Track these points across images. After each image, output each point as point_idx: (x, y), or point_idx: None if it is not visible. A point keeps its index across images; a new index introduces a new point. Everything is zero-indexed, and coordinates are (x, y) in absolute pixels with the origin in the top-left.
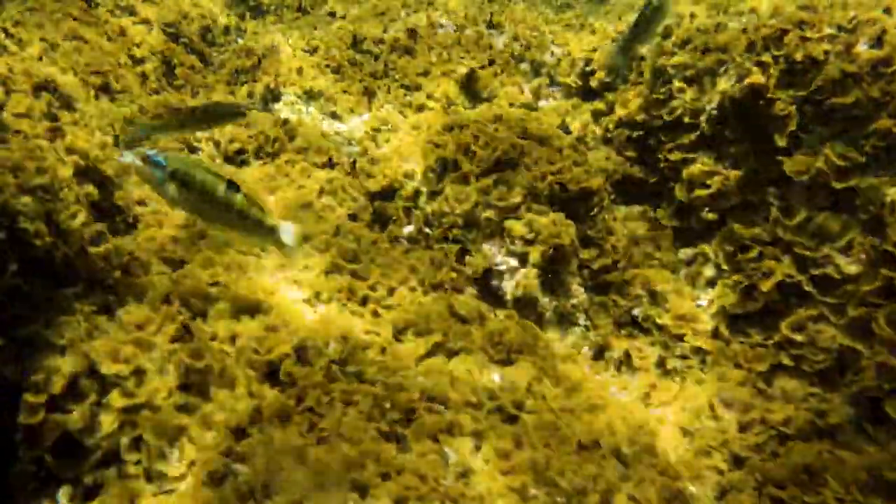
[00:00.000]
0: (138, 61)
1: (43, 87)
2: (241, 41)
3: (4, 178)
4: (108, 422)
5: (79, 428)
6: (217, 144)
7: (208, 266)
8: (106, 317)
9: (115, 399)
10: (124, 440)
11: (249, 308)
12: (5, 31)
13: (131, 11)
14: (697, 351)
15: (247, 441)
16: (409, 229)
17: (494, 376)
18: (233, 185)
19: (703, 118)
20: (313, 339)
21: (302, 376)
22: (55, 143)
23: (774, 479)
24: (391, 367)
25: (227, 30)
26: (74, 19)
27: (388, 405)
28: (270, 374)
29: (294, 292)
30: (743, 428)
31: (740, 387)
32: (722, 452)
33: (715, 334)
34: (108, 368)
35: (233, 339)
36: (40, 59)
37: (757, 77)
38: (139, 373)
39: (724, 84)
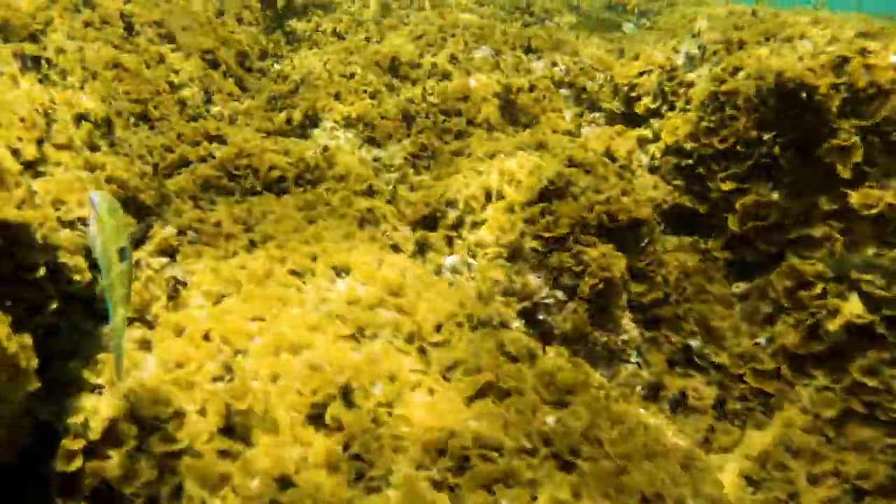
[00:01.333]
0: (177, 88)
1: (83, 116)
2: (277, 66)
3: (46, 211)
4: (147, 469)
5: (118, 476)
6: (256, 172)
7: (249, 300)
8: (145, 353)
9: (156, 444)
10: (165, 489)
11: (292, 345)
12: (48, 60)
13: (170, 38)
14: (758, 393)
15: (293, 491)
16: (452, 260)
17: (549, 419)
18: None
19: (758, 147)
20: (359, 379)
21: (349, 421)
22: (95, 174)
23: None
24: (441, 409)
25: (263, 55)
26: (115, 47)
27: (439, 452)
28: (315, 416)
29: (338, 328)
30: (813, 480)
31: (807, 434)
32: None
33: (777, 375)
34: (147, 410)
35: (275, 378)
36: (81, 87)
37: (815, 115)
38: (179, 415)
39: (781, 113)
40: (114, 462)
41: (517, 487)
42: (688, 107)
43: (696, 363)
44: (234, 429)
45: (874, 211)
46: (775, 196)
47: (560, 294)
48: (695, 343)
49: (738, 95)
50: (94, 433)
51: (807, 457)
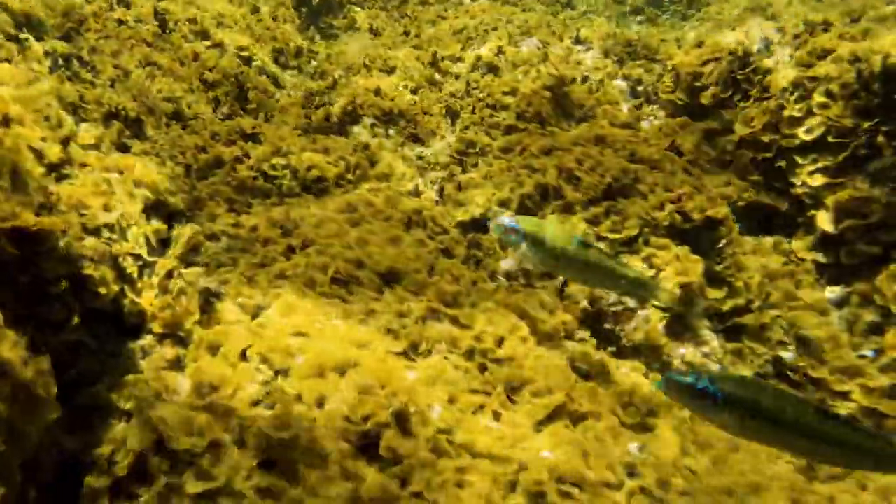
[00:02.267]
0: (211, 86)
1: (114, 115)
2: (314, 63)
3: (68, 217)
4: None
5: None
6: (295, 172)
7: (289, 313)
8: (177, 373)
9: (190, 483)
10: None
11: (338, 364)
12: (80, 58)
13: (205, 36)
14: (870, 413)
15: None
16: (507, 264)
17: (632, 447)
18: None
19: (855, 137)
20: (416, 402)
21: (406, 452)
22: (123, 176)
23: None
24: (508, 436)
25: (298, 52)
26: (148, 45)
27: (510, 487)
28: (367, 446)
29: (388, 343)
30: None
31: None
32: None
33: (892, 393)
34: (179, 443)
35: (320, 402)
36: (112, 85)
37: None
38: (215, 447)
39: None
40: (143, 502)
41: None
42: (765, 95)
43: (789, 378)
44: (276, 463)
45: None
46: (876, 191)
47: (631, 301)
48: (787, 355)
49: (829, 81)
50: (121, 469)
51: None
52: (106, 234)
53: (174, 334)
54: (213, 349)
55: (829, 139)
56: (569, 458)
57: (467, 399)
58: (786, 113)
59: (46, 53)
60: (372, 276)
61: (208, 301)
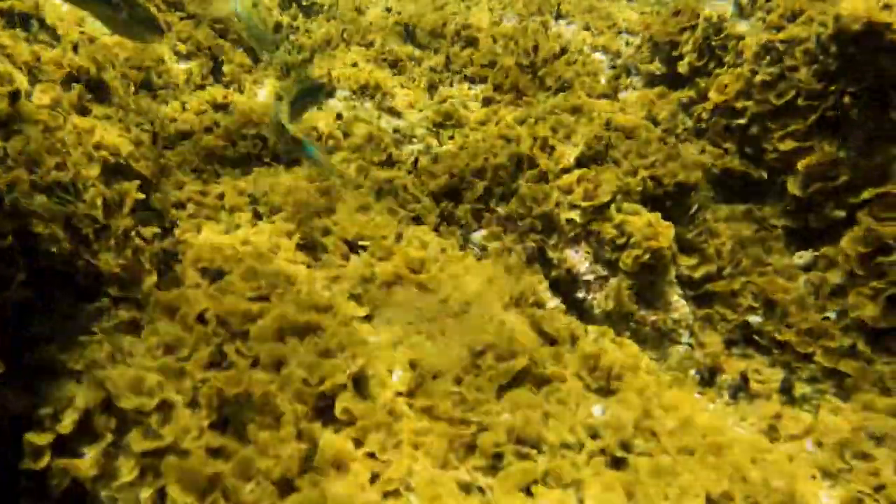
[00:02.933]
0: (184, 57)
1: (74, 78)
2: (292, 37)
3: (17, 173)
4: (126, 469)
5: (91, 476)
6: (264, 141)
7: (251, 278)
8: (132, 337)
9: (136, 440)
10: (145, 493)
11: (299, 328)
12: (41, 21)
13: (178, 7)
14: (831, 373)
15: (295, 497)
16: (480, 234)
17: (595, 409)
18: None
19: (823, 100)
20: (375, 366)
21: (362, 413)
22: (83, 138)
23: None
24: (470, 399)
25: (278, 27)
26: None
27: (468, 449)
28: (324, 409)
29: (351, 307)
30: None
31: (892, 417)
32: (878, 500)
33: (853, 353)
34: (128, 402)
35: (278, 365)
36: (75, 50)
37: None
38: (165, 407)
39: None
40: (87, 460)
41: (559, 489)
42: (739, 61)
43: (756, 342)
44: (229, 423)
45: None
46: (843, 154)
47: (601, 269)
48: (754, 319)
49: (799, 44)
50: (65, 427)
51: (893, 444)
52: (60, 193)
53: (131, 297)
54: (171, 311)
55: (799, 103)
56: (529, 420)
57: (429, 363)
58: (757, 78)
59: (2, 12)
60: (338, 243)
61: (167, 264)
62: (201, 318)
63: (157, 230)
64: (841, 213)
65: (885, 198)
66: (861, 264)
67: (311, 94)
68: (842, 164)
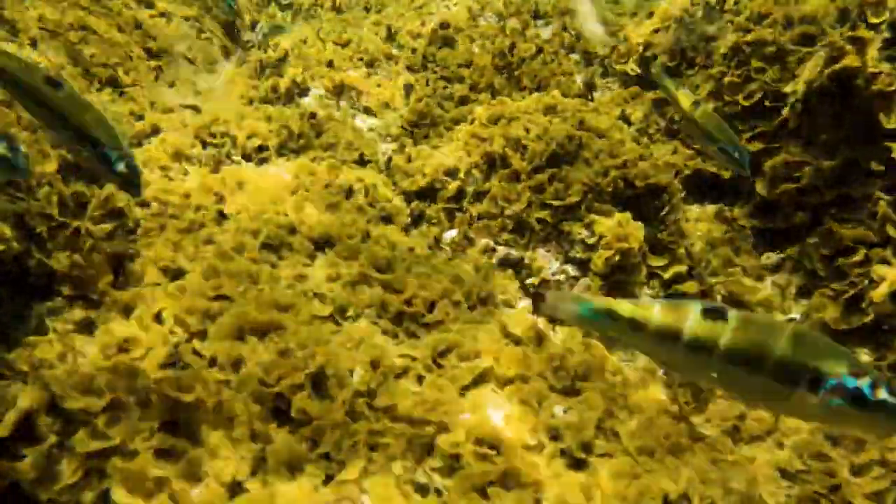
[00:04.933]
0: (154, 55)
1: None
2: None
3: None
4: (69, 471)
5: (31, 478)
6: (234, 140)
7: (212, 276)
8: (85, 337)
9: (81, 442)
10: (88, 496)
11: (260, 327)
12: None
13: (148, 4)
14: None
15: (244, 498)
16: (451, 234)
17: (557, 409)
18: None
19: (788, 101)
20: (335, 365)
21: (318, 413)
22: (39, 134)
23: None
24: (431, 400)
25: (254, 26)
26: (83, 9)
27: (426, 450)
28: (281, 410)
29: (314, 307)
30: (857, 471)
31: None
32: (833, 501)
33: None
34: (74, 402)
35: (236, 365)
36: (33, 45)
37: (852, 59)
38: (115, 407)
39: (812, 62)
40: (27, 462)
41: (517, 490)
42: (709, 62)
43: None
44: (180, 424)
45: None
46: (808, 156)
47: (572, 269)
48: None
49: (764, 45)
50: (3, 428)
51: (850, 445)
52: (10, 191)
53: (85, 296)
54: (126, 311)
55: (767, 104)
56: (489, 420)
57: (391, 363)
58: (726, 80)
59: None
60: (304, 242)
61: (123, 263)
62: (158, 318)
63: (115, 228)
64: (805, 215)
65: (847, 199)
66: (823, 266)
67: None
68: (806, 165)
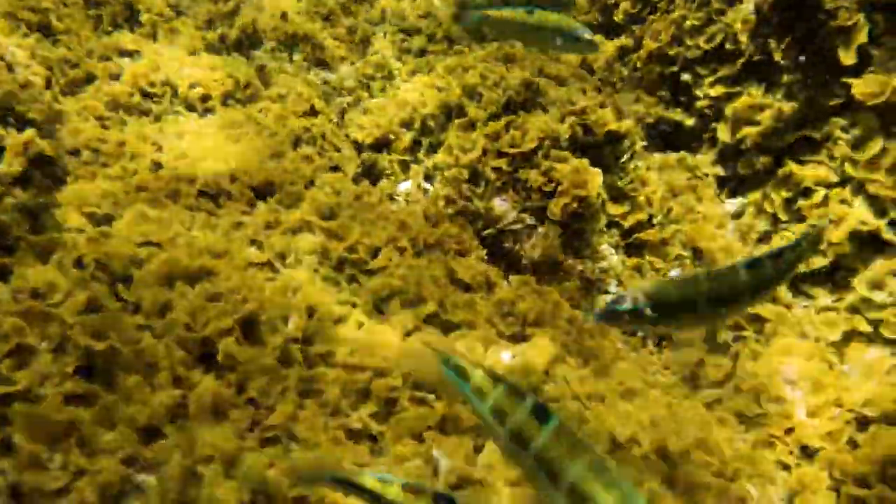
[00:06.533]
0: (93, 4)
1: None
2: None
3: None
4: None
5: None
6: (175, 90)
7: (141, 222)
8: (1, 284)
9: None
10: None
11: (190, 273)
12: None
13: None
14: (754, 319)
15: (160, 443)
16: (405, 186)
17: (504, 355)
18: None
19: (747, 42)
20: (268, 311)
21: (246, 358)
22: None
23: (856, 475)
24: (370, 346)
25: None
26: None
27: (361, 395)
28: (207, 356)
29: (251, 254)
30: (813, 412)
31: (807, 361)
32: (787, 443)
33: (774, 298)
34: None
35: (163, 311)
36: None
37: None
38: (22, 352)
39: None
40: None
41: (456, 435)
42: (672, 7)
43: None
44: (95, 370)
45: (880, 99)
46: (769, 98)
47: (529, 218)
48: (674, 273)
49: None
50: None
51: (806, 387)
52: None
53: (3, 244)
54: (45, 256)
55: (728, 47)
56: (430, 366)
57: (329, 310)
58: (687, 23)
59: None
60: (244, 190)
61: (45, 208)
62: (79, 263)
63: (37, 175)
64: (768, 159)
65: (808, 141)
66: (784, 209)
67: None
68: (767, 108)
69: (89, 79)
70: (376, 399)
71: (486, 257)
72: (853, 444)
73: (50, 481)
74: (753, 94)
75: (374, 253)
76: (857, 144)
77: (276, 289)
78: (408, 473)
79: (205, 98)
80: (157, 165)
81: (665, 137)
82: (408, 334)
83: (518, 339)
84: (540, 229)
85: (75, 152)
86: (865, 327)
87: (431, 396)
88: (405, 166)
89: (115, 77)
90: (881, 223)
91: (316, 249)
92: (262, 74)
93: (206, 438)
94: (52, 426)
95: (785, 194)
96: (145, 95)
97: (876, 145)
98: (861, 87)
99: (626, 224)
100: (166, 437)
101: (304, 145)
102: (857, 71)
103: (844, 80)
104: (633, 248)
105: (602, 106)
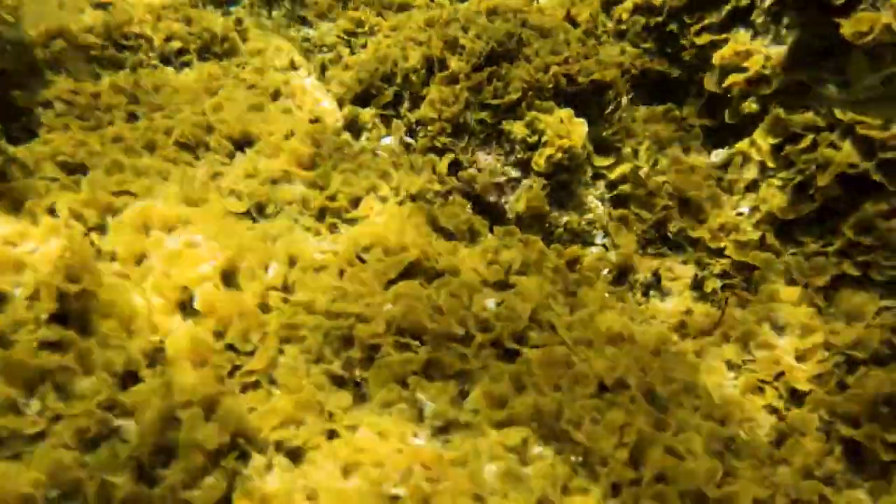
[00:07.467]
0: None
1: None
2: None
3: None
4: None
5: None
6: (150, 42)
7: (115, 171)
8: None
9: None
10: None
11: (167, 222)
12: None
13: None
14: (741, 267)
15: (138, 388)
16: (387, 140)
17: (488, 302)
18: None
19: None
20: (247, 259)
21: (225, 305)
22: None
23: (845, 416)
24: (351, 293)
25: None
26: None
27: (344, 342)
28: (185, 302)
29: (230, 204)
30: (801, 356)
31: (796, 307)
32: (777, 387)
33: (762, 245)
34: None
35: (139, 260)
36: None
37: None
38: None
39: None
40: None
41: (440, 380)
42: None
43: (671, 241)
44: (70, 316)
45: (869, 38)
46: (757, 43)
47: (514, 171)
48: (669, 220)
49: None
50: None
51: (794, 332)
52: None
53: None
54: (16, 205)
55: None
56: (413, 312)
57: (310, 258)
58: None
59: None
60: (222, 141)
61: (11, 159)
62: (52, 211)
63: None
64: (755, 106)
65: (796, 85)
66: (772, 156)
67: None
68: (755, 54)
69: (59, 32)
70: (359, 344)
71: (472, 212)
72: (842, 385)
73: (27, 426)
74: (740, 40)
75: (355, 202)
76: (846, 86)
77: (257, 237)
78: (388, 420)
79: (182, 52)
80: (134, 117)
81: (651, 89)
82: (391, 282)
83: (504, 286)
84: (525, 181)
85: (48, 104)
86: (854, 271)
87: (416, 343)
88: (387, 121)
89: (89, 30)
90: (869, 165)
91: (296, 199)
92: (239, 29)
93: (183, 382)
94: (29, 372)
95: (773, 141)
96: (121, 49)
97: (865, 86)
98: (849, 27)
99: (612, 176)
100: (143, 381)
101: (283, 98)
102: (846, 10)
103: (834, 19)
104: (618, 199)
105: (586, 57)
